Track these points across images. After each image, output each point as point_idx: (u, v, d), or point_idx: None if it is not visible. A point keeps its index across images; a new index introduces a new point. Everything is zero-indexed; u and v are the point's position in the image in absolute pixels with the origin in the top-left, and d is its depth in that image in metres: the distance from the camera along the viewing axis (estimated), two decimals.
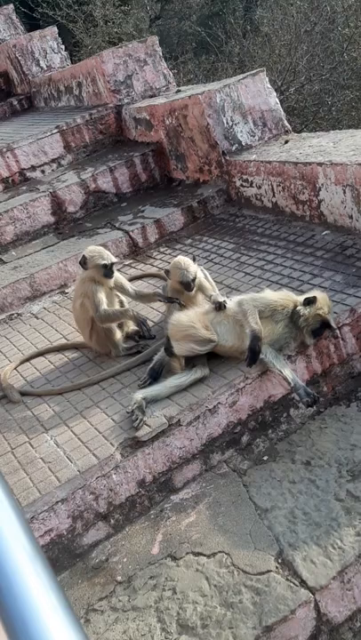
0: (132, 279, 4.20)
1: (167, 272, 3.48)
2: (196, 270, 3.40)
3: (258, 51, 10.89)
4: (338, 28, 9.63)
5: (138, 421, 2.79)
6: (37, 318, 4.25)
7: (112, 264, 3.40)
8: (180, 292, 3.39)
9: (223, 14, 12.93)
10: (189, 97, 5.11)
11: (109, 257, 3.40)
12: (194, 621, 2.27)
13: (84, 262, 3.40)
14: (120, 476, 2.72)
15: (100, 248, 3.49)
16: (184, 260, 3.40)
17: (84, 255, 3.41)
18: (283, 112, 5.20)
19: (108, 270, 3.38)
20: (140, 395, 2.91)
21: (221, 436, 2.95)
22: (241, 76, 5.17)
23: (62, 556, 2.63)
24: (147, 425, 2.80)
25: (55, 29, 8.38)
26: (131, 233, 4.79)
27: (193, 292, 3.36)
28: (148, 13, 17.86)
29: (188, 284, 3.35)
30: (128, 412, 2.87)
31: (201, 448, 2.90)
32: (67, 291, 4.50)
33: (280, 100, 8.07)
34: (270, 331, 2.99)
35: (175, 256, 4.51)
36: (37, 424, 3.08)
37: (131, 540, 2.67)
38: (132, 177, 5.52)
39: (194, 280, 3.36)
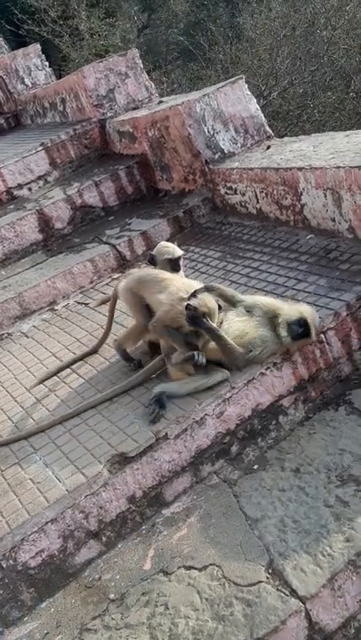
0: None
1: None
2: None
3: (242, 56, 10.93)
4: (318, 30, 9.66)
5: (154, 415, 2.85)
6: (27, 337, 4.27)
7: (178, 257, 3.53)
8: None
9: (205, 22, 12.99)
10: (170, 108, 5.14)
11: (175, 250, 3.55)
12: (186, 636, 2.26)
13: (152, 259, 3.57)
14: (109, 493, 2.72)
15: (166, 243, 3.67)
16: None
17: (150, 254, 3.59)
18: (264, 118, 5.22)
19: (174, 264, 3.52)
20: (158, 389, 2.97)
21: (210, 447, 2.95)
22: (220, 84, 5.19)
23: (55, 577, 2.63)
24: (134, 440, 2.81)
25: (38, 47, 8.43)
26: (118, 246, 4.80)
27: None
28: (135, 24, 17.97)
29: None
30: (146, 407, 2.93)
31: (190, 460, 2.90)
32: (56, 308, 4.52)
33: (264, 105, 8.10)
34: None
35: None
36: (27, 444, 3.09)
37: (123, 557, 2.68)
38: (117, 190, 5.55)
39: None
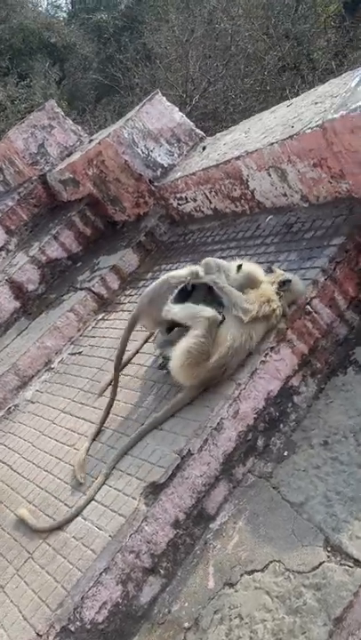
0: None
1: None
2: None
3: (156, 73, 11.11)
4: (217, 25, 9.86)
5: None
6: (33, 403, 4.26)
7: None
8: None
9: (115, 55, 13.21)
10: (99, 143, 5.19)
11: None
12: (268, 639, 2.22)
13: None
14: (152, 525, 2.69)
15: None
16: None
17: None
18: (191, 122, 5.27)
19: None
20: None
21: (237, 449, 2.91)
22: (139, 105, 5.26)
23: (126, 624, 2.59)
24: (160, 466, 2.78)
25: None
26: (93, 289, 4.82)
27: None
28: (51, 78, 18.26)
29: None
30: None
31: (221, 468, 2.87)
32: (52, 366, 4.52)
33: (190, 111, 8.19)
34: None
35: (140, 294, 4.56)
36: (61, 504, 3.06)
37: (185, 583, 2.63)
38: (77, 236, 5.59)
39: None
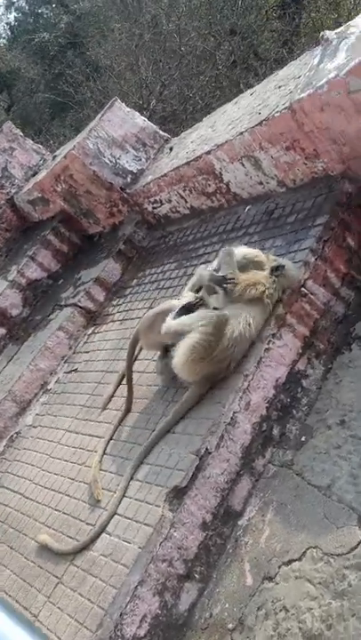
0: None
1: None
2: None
3: (107, 84, 11.10)
4: (163, 27, 9.90)
5: None
6: (35, 427, 4.16)
7: None
8: None
9: (63, 72, 13.18)
10: (65, 157, 5.14)
11: None
12: (318, 627, 2.16)
13: None
14: (180, 530, 2.62)
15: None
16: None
17: None
18: (154, 125, 5.24)
19: None
20: None
21: (254, 441, 2.87)
22: (100, 114, 5.21)
23: (169, 635, 2.51)
24: (179, 470, 2.72)
25: None
26: (79, 304, 4.75)
27: None
28: (0, 105, 18.13)
29: None
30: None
31: (241, 463, 2.81)
32: (49, 387, 4.43)
33: (150, 116, 8.17)
34: None
35: (129, 302, 4.50)
36: (83, 524, 2.97)
37: (223, 584, 2.57)
38: (54, 254, 5.52)
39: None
